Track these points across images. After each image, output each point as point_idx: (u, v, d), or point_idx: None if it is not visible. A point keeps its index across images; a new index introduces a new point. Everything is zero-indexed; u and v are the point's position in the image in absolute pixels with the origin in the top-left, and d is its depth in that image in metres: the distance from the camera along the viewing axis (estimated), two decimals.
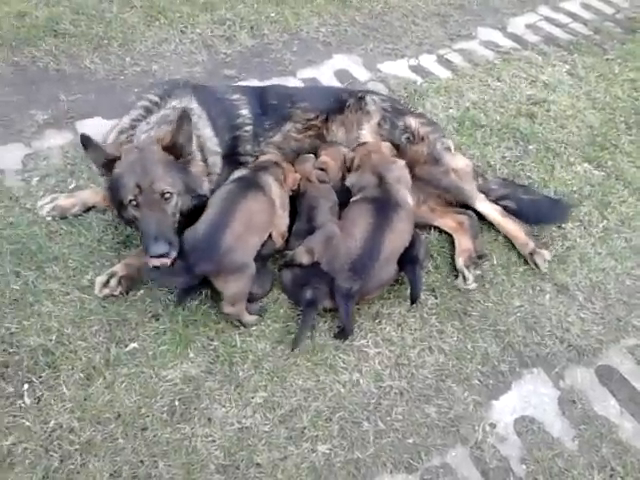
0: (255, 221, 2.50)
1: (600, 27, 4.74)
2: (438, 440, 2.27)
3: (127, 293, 2.56)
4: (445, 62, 4.33)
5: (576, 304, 2.77)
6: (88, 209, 2.91)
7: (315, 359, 2.45)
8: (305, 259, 2.52)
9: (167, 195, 2.42)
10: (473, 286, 2.72)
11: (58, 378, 2.27)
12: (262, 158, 2.79)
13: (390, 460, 2.19)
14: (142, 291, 2.59)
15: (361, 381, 2.42)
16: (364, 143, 2.89)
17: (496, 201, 3.00)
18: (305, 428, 2.23)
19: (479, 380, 2.50)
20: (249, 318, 2.49)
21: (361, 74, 4.10)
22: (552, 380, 2.49)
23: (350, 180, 2.79)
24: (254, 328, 2.52)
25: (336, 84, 3.96)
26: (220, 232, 2.37)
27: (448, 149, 3.01)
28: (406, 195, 2.69)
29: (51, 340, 2.37)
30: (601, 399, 2.44)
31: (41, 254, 2.67)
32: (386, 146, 2.89)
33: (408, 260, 2.60)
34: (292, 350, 2.42)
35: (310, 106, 3.01)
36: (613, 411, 2.40)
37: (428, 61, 4.32)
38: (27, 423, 2.15)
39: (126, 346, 2.40)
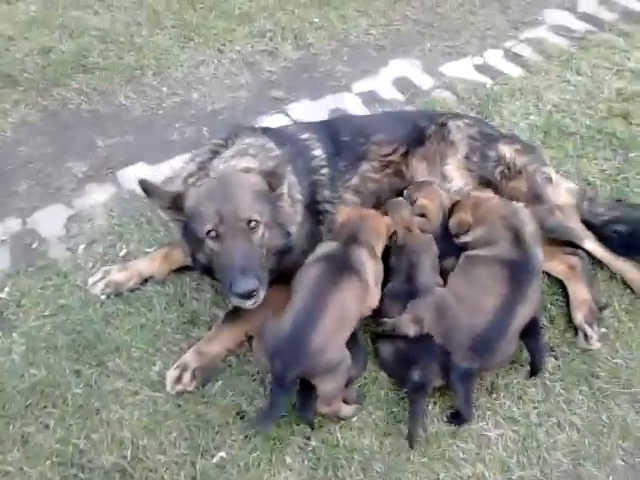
0: (349, 313, 2.09)
1: None
2: None
3: (203, 387, 2.21)
4: (513, 57, 3.85)
5: None
6: (145, 281, 2.56)
7: (430, 452, 2.09)
8: (412, 330, 2.13)
9: (253, 224, 2.06)
10: (597, 346, 2.31)
11: None
12: (343, 217, 2.35)
13: None
14: (220, 382, 2.24)
15: (486, 474, 2.05)
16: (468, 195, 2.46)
17: (604, 226, 2.56)
18: None
19: (622, 460, 2.10)
20: (348, 410, 2.12)
21: (423, 81, 3.66)
22: None
23: (474, 234, 2.36)
24: (355, 419, 2.15)
25: (398, 96, 3.52)
26: (309, 331, 1.95)
27: (549, 180, 2.57)
28: (540, 255, 2.26)
29: (126, 457, 2.04)
30: None
31: (100, 344, 2.34)
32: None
33: (529, 326, 2.19)
34: (411, 448, 2.04)
35: (386, 139, 2.61)
36: None
37: (495, 57, 3.85)
38: None
39: (212, 457, 2.05)
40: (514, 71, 3.72)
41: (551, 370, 2.31)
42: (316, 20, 4.02)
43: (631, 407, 2.23)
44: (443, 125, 2.65)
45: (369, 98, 3.52)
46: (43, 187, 3.01)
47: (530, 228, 2.28)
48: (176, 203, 2.10)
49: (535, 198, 2.49)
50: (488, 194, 2.44)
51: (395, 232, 2.35)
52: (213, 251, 2.08)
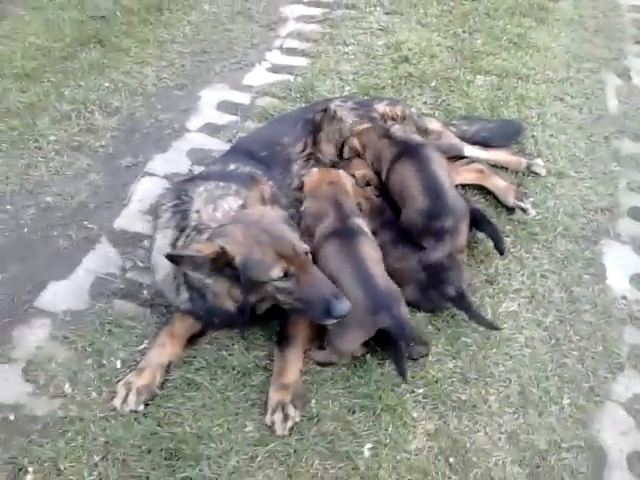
0: (377, 257, 2.45)
1: None
2: None
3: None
4: (291, 51, 4.38)
5: None
6: (167, 369, 2.42)
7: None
8: None
9: (307, 251, 2.21)
10: (534, 213, 2.98)
11: None
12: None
13: None
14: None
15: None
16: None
17: (472, 137, 3.26)
18: None
19: None
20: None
21: (241, 97, 3.96)
22: None
23: None
24: None
25: (231, 118, 3.75)
26: (374, 283, 2.30)
27: (422, 116, 3.15)
28: None
29: None
30: None
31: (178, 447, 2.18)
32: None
33: (477, 220, 2.74)
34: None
35: (293, 139, 2.89)
36: None
37: (277, 57, 4.37)
38: None
39: None
40: (301, 61, 4.23)
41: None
42: (106, 84, 3.93)
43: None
44: (325, 110, 3.01)
45: (210, 129, 3.66)
46: None
47: None
48: (218, 263, 2.09)
49: (424, 132, 3.03)
50: None
51: (359, 203, 2.68)
52: (285, 291, 2.15)
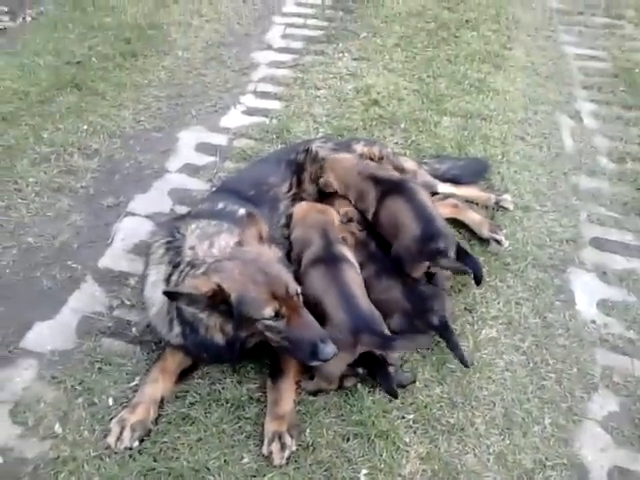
0: (360, 283, 2.59)
1: None
2: None
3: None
4: (264, 94, 4.54)
5: None
6: (161, 404, 2.43)
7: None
8: None
9: (299, 292, 2.28)
10: (507, 243, 3.16)
11: None
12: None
13: None
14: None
15: None
16: None
17: (443, 174, 3.46)
18: None
19: None
20: None
21: (218, 139, 4.06)
22: None
23: None
24: None
25: (209, 159, 3.85)
26: (357, 306, 2.43)
27: (398, 156, 3.33)
28: None
29: None
30: None
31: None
32: None
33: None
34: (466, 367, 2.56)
35: (279, 179, 3.01)
36: None
37: (251, 101, 4.49)
38: None
39: None
40: (274, 104, 4.38)
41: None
42: (85, 127, 3.98)
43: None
44: (307, 150, 3.15)
45: (190, 170, 3.74)
46: None
47: None
48: (215, 300, 2.16)
49: (401, 171, 3.19)
50: None
51: (345, 238, 2.81)
52: (275, 330, 2.23)
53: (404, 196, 2.81)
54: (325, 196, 3.02)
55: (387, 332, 2.46)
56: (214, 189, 3.22)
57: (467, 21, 5.48)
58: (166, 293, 2.16)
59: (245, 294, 2.16)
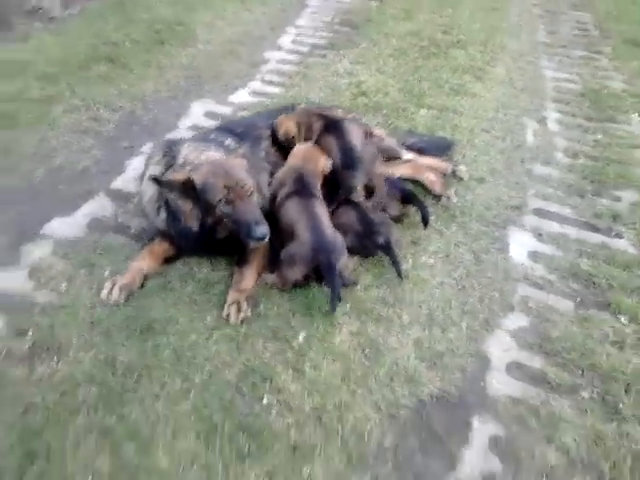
0: (326, 214, 3.13)
1: None
2: None
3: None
4: (269, 83, 5.20)
5: None
6: (145, 278, 2.99)
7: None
8: None
9: (251, 190, 2.85)
10: (455, 200, 3.72)
11: None
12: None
13: None
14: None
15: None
16: None
17: (410, 146, 4.05)
18: None
19: None
20: None
21: (224, 110, 4.71)
22: None
23: None
24: None
25: (213, 122, 4.49)
26: (323, 231, 2.94)
27: (369, 124, 3.95)
28: None
29: None
30: None
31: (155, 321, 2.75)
32: None
33: (407, 197, 3.47)
34: (400, 278, 3.09)
35: (265, 125, 3.61)
36: None
37: (257, 85, 5.16)
38: None
39: None
40: (277, 90, 5.06)
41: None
42: (113, 91, 4.70)
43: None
44: (292, 108, 3.78)
45: (197, 129, 4.35)
46: None
47: None
48: (186, 186, 2.77)
49: (370, 135, 3.78)
50: None
51: None
52: (225, 213, 2.80)
53: (337, 132, 3.39)
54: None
55: (345, 257, 2.96)
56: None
57: (458, 42, 6.18)
58: (154, 179, 2.79)
59: (206, 183, 2.77)
